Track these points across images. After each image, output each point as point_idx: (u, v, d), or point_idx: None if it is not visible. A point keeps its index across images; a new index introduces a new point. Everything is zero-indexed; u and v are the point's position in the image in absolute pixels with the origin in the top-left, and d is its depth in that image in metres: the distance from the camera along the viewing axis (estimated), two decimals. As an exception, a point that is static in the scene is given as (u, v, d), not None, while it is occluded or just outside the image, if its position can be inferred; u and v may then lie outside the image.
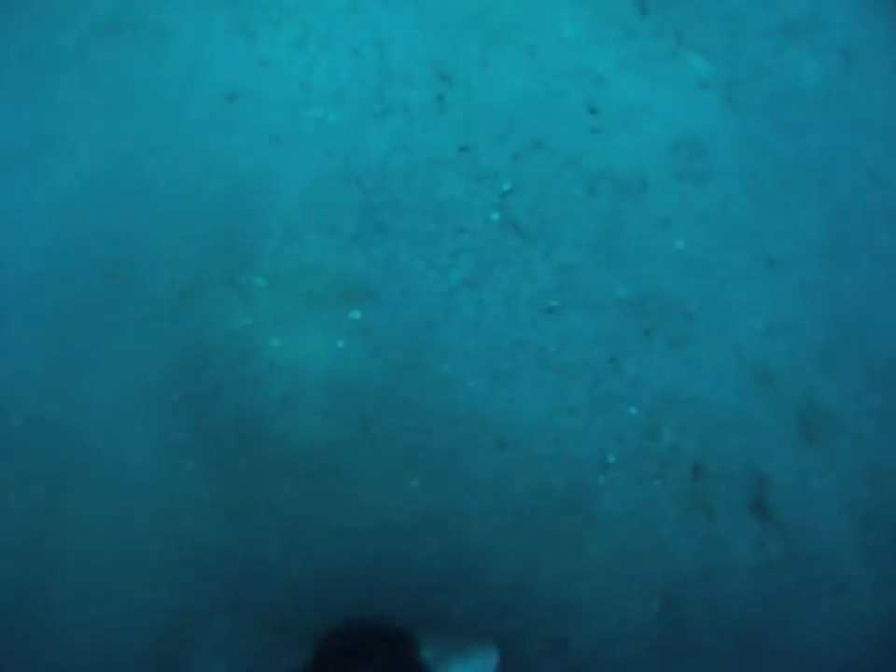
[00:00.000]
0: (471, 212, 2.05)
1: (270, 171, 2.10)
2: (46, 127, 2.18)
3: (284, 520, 1.89)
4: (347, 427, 1.88)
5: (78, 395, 1.97)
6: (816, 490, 2.29)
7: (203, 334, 1.97)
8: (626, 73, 2.45)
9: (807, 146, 2.52)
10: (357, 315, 1.96)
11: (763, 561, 2.15)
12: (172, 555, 1.84)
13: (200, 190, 2.09)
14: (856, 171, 2.57)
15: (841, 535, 2.29)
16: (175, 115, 2.17)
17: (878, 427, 2.31)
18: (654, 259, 2.16)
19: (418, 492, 1.93)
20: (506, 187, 2.09)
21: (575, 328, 2.03)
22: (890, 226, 2.43)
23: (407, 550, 1.91)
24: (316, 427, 1.89)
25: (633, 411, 2.05)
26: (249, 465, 1.89)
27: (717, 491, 2.17)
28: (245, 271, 2.00)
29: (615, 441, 2.02)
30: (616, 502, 2.02)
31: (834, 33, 2.83)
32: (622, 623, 1.98)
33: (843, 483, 2.31)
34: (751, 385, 2.21)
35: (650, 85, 2.45)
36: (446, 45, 2.29)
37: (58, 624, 1.82)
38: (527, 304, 2.00)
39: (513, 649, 1.84)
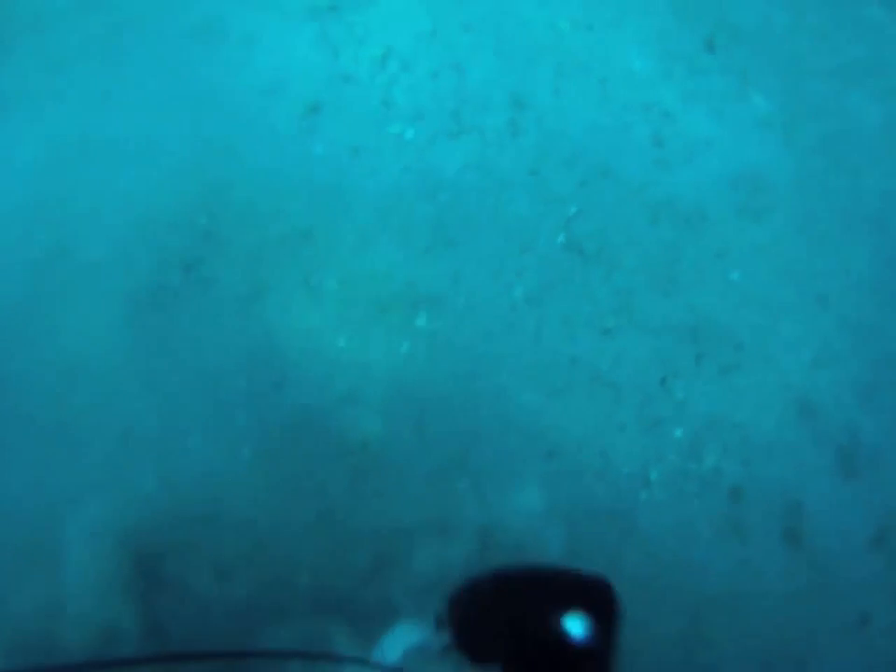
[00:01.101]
0: (538, 233, 2.07)
1: (348, 180, 2.14)
2: (130, 126, 2.25)
3: (333, 511, 1.92)
4: (402, 428, 1.91)
5: (152, 375, 2.03)
6: (849, 524, 2.25)
7: (273, 330, 2.02)
8: (691, 108, 2.44)
9: (864, 187, 2.48)
10: (422, 321, 1.99)
11: (791, 589, 2.12)
12: (215, 538, 1.89)
13: (279, 194, 2.14)
14: (910, 215, 2.52)
15: (869, 569, 2.24)
16: (258, 121, 2.23)
17: (915, 466, 2.27)
18: (709, 288, 2.15)
19: (465, 493, 1.94)
20: (572, 211, 2.10)
21: (629, 349, 2.03)
22: (943, 270, 2.38)
23: (449, 548, 1.92)
24: (373, 424, 1.92)
25: (678, 432, 2.05)
26: (304, 456, 1.93)
27: (752, 516, 2.14)
28: (318, 273, 2.05)
29: (658, 460, 2.01)
30: (654, 518, 2.02)
31: (894, 76, 2.78)
32: (647, 636, 1.97)
33: (876, 518, 2.27)
34: (794, 416, 2.18)
35: (713, 121, 2.43)
36: (521, 73, 2.31)
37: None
38: (585, 324, 2.01)
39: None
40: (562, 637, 0.84)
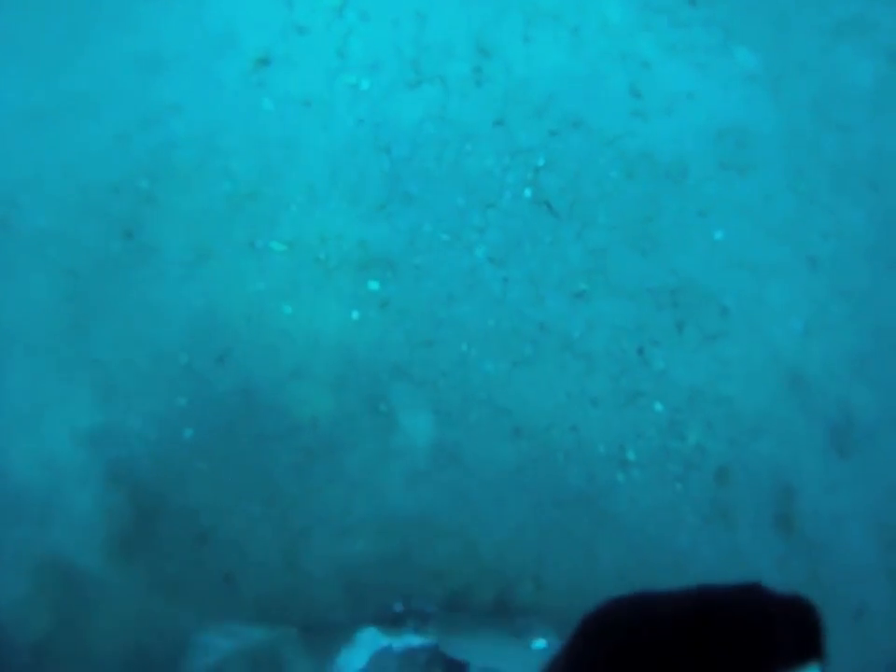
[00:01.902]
0: (503, 187, 1.83)
1: (298, 136, 1.90)
2: (75, 85, 2.01)
3: (277, 496, 1.68)
4: (354, 403, 1.67)
5: (86, 351, 1.80)
6: (843, 507, 2.03)
7: (216, 299, 1.78)
8: (672, 60, 2.20)
9: (856, 146, 2.25)
10: (375, 285, 1.75)
11: (785, 579, 1.89)
12: (160, 524, 1.65)
13: (224, 152, 1.90)
14: (906, 175, 2.29)
15: (865, 557, 2.03)
16: (205, 77, 1.99)
17: (915, 444, 2.05)
18: (691, 248, 1.91)
19: (424, 477, 1.71)
20: (540, 163, 1.86)
21: (603, 314, 1.79)
22: (943, 232, 2.15)
23: (407, 544, 1.69)
24: (322, 400, 1.68)
25: (658, 406, 1.81)
26: (249, 435, 1.69)
27: (741, 500, 1.92)
28: (264, 235, 1.81)
29: (637, 438, 1.78)
30: (634, 503, 1.79)
31: (882, 35, 2.56)
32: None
33: (872, 502, 2.05)
34: (784, 389, 1.95)
35: (695, 74, 2.20)
36: (489, 20, 2.07)
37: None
38: (555, 286, 1.77)
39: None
40: None
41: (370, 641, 1.50)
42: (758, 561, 1.92)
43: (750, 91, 2.25)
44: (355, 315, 1.73)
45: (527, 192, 1.82)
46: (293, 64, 1.98)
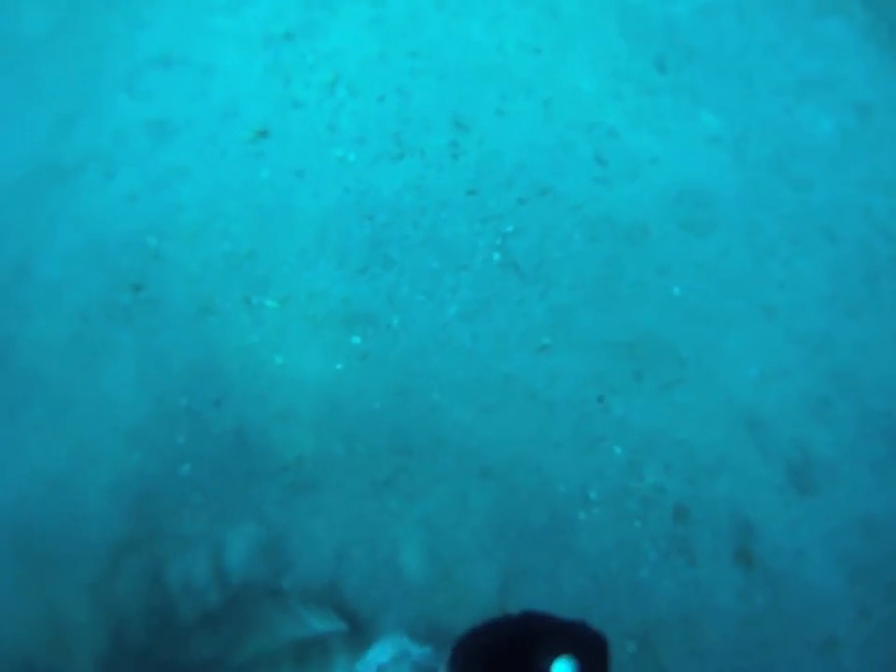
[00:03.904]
0: (474, 251, 1.94)
1: (291, 203, 2.04)
2: (91, 145, 2.18)
3: (266, 528, 1.79)
4: (334, 444, 1.78)
5: (93, 392, 1.94)
6: (805, 541, 2.05)
7: (214, 347, 1.91)
8: (638, 127, 2.30)
9: (813, 199, 2.31)
10: (356, 340, 1.87)
11: (748, 612, 1.93)
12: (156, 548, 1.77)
13: (225, 216, 2.05)
14: (863, 225, 2.34)
15: (831, 588, 2.04)
16: (210, 145, 2.15)
17: (873, 478, 2.07)
18: (650, 303, 1.99)
19: (396, 513, 1.80)
20: (509, 229, 1.97)
21: (565, 366, 1.88)
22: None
23: (375, 569, 1.78)
24: (306, 441, 1.80)
25: (617, 450, 1.88)
26: (242, 472, 1.81)
27: (700, 535, 1.96)
28: (259, 292, 1.94)
29: (597, 478, 1.85)
30: (595, 539, 1.85)
31: (848, 89, 2.62)
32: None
33: (834, 534, 2.07)
34: (741, 431, 2.00)
35: (660, 139, 2.30)
36: (465, 95, 2.20)
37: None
38: (520, 341, 1.87)
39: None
40: None
41: (395, 642, 1.56)
42: (719, 593, 1.96)
43: (712, 152, 2.34)
44: (338, 366, 1.85)
45: (496, 256, 1.93)
46: (288, 137, 2.14)
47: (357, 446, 1.80)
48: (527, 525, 1.81)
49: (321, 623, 1.69)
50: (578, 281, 1.93)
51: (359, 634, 1.72)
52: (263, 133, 2.15)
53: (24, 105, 2.29)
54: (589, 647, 0.89)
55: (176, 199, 2.11)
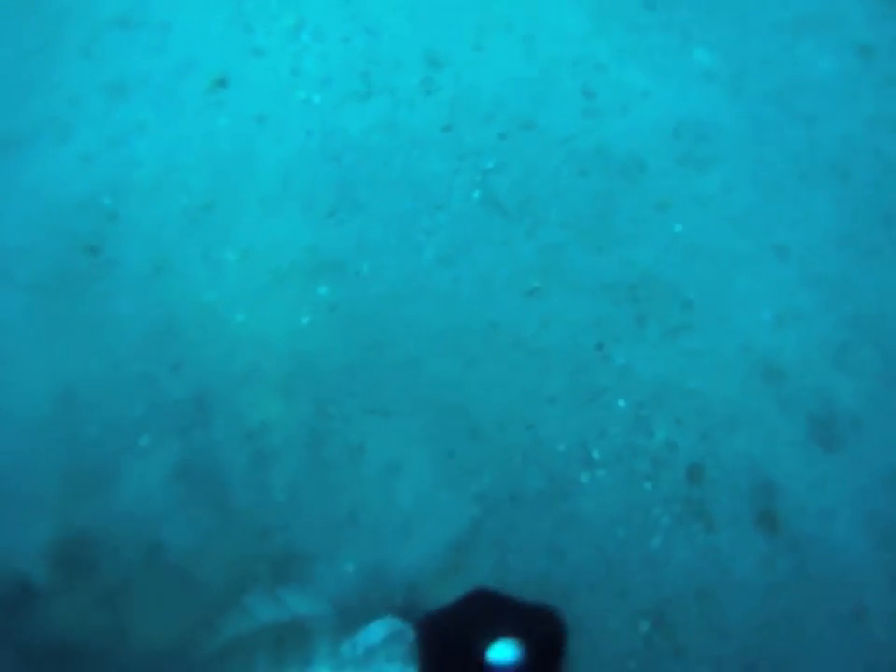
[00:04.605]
0: (451, 189, 1.72)
1: (253, 150, 1.84)
2: (47, 111, 1.99)
3: (233, 500, 1.57)
4: (303, 407, 1.56)
5: (54, 363, 1.73)
6: (831, 501, 1.82)
7: (172, 309, 1.70)
8: (627, 62, 2.10)
9: (821, 135, 2.10)
10: (323, 290, 1.64)
11: (770, 580, 1.70)
12: (119, 534, 1.55)
13: (183, 168, 1.84)
14: (875, 163, 2.12)
15: (859, 552, 1.81)
16: (166, 100, 1.95)
17: (902, 432, 1.84)
18: (650, 242, 1.77)
19: (371, 484, 1.57)
20: (489, 164, 1.75)
21: (558, 311, 1.65)
22: (915, 217, 1.97)
23: (355, 552, 1.55)
24: (273, 405, 1.57)
25: (621, 403, 1.66)
26: (204, 441, 1.58)
27: (717, 498, 1.73)
28: (218, 246, 1.73)
29: (600, 436, 1.62)
30: (600, 505, 1.62)
31: (849, 30, 2.41)
32: (604, 644, 1.55)
33: (861, 493, 1.84)
34: (757, 381, 1.77)
35: (651, 74, 2.09)
36: (439, 32, 2.00)
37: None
38: (505, 285, 1.64)
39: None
40: (489, 665, 0.81)
41: (388, 624, 1.45)
42: (739, 562, 1.73)
43: (709, 88, 2.13)
44: (304, 319, 1.63)
45: (476, 193, 1.71)
46: (249, 84, 1.93)
47: (328, 407, 1.57)
48: (523, 492, 1.58)
49: (303, 606, 1.50)
50: (569, 218, 1.71)
51: (344, 617, 1.50)
52: (222, 83, 1.95)
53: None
54: (539, 627, 0.88)
55: (132, 155, 1.91)
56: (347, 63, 1.92)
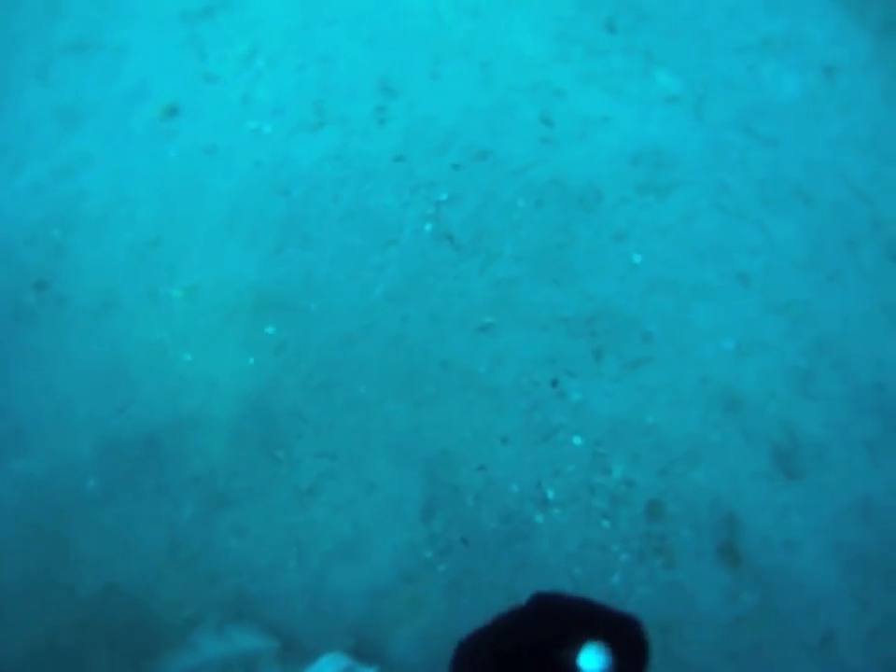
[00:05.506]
0: (403, 223, 1.65)
1: (201, 182, 1.76)
2: (1, 139, 1.91)
3: (181, 548, 1.49)
4: (251, 451, 1.48)
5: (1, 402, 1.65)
6: (796, 531, 1.76)
7: (119, 346, 1.62)
8: (586, 88, 2.03)
9: (785, 159, 2.03)
10: (270, 329, 1.57)
11: (736, 614, 1.63)
12: (63, 574, 1.47)
13: (130, 201, 1.77)
14: (838, 186, 2.06)
15: (826, 581, 1.75)
16: (117, 127, 1.87)
17: (868, 459, 1.77)
18: (608, 274, 1.70)
19: (322, 528, 1.50)
20: (443, 196, 1.68)
21: (511, 347, 1.58)
22: (878, 242, 1.91)
23: (309, 601, 1.47)
24: (220, 448, 1.50)
25: (577, 440, 1.59)
26: (153, 485, 1.50)
27: (678, 533, 1.66)
28: (165, 282, 1.65)
29: (554, 475, 1.55)
30: (556, 544, 1.55)
31: (813, 50, 2.36)
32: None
33: (828, 522, 1.78)
34: (718, 413, 1.71)
35: (611, 99, 2.02)
36: (396, 59, 1.92)
37: None
38: (457, 321, 1.57)
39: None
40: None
41: (334, 661, 1.37)
42: (703, 596, 1.66)
43: (671, 112, 2.06)
44: (251, 360, 1.55)
45: (428, 227, 1.63)
46: (200, 112, 1.85)
47: (277, 451, 1.49)
48: (476, 533, 1.50)
49: (250, 641, 1.43)
50: (523, 251, 1.64)
51: (293, 652, 1.43)
52: (173, 111, 1.87)
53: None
54: (621, 632, 0.75)
55: (81, 186, 1.83)
56: (300, 91, 1.85)
